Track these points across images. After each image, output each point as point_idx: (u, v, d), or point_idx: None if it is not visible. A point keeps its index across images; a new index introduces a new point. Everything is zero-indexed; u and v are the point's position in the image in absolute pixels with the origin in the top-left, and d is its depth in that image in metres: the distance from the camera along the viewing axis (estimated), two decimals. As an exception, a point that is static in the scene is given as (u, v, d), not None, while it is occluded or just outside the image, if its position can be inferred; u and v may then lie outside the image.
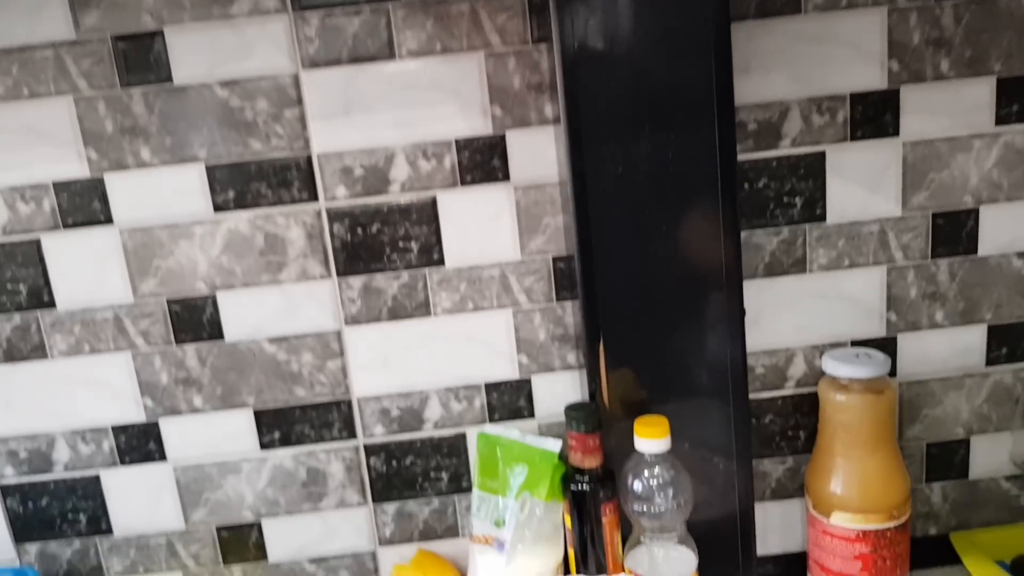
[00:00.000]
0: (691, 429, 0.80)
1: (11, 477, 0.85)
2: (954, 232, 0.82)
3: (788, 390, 0.86)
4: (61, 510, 0.86)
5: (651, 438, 0.76)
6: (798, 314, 0.84)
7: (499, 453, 0.83)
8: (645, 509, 0.77)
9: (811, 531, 0.83)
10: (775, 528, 0.89)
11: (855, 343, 0.85)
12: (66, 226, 0.80)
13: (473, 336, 0.84)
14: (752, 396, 0.85)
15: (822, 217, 0.82)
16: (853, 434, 0.79)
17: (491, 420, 0.87)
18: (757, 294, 0.83)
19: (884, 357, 0.79)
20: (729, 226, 0.77)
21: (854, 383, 0.78)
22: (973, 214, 0.82)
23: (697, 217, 0.76)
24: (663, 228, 0.76)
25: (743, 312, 0.78)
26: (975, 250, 0.83)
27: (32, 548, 0.87)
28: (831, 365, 0.79)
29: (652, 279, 0.78)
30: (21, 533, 0.86)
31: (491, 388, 0.86)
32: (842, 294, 0.84)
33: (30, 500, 0.86)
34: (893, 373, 0.85)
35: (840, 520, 0.79)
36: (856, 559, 0.79)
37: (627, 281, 0.78)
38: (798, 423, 0.87)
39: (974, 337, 0.85)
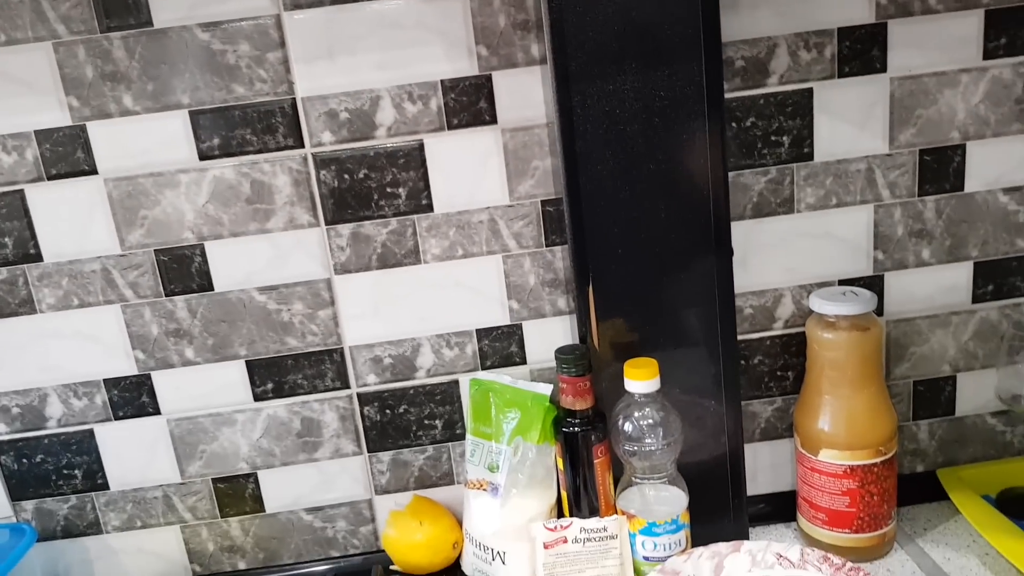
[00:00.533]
0: (681, 371, 0.80)
1: (4, 434, 0.84)
2: (941, 169, 0.82)
3: (776, 331, 0.86)
4: (56, 466, 0.86)
5: (640, 379, 0.76)
6: (786, 254, 0.84)
7: (492, 399, 0.83)
8: (636, 449, 0.77)
9: (800, 469, 0.83)
10: (765, 468, 0.90)
11: (842, 282, 0.85)
12: (50, 177, 0.78)
13: (463, 282, 0.84)
14: (741, 337, 0.85)
15: (809, 156, 0.81)
16: (840, 371, 0.79)
17: (483, 367, 0.86)
18: (745, 235, 0.83)
19: (870, 295, 0.79)
20: (717, 166, 0.76)
21: (841, 320, 0.78)
22: (960, 150, 0.82)
23: (685, 157, 0.76)
24: (651, 168, 0.76)
25: (731, 253, 0.78)
26: (962, 187, 0.83)
27: (28, 505, 0.87)
28: (818, 303, 0.79)
29: (640, 221, 0.77)
30: (16, 490, 0.86)
31: (482, 334, 0.85)
32: (830, 233, 0.83)
33: (24, 457, 0.85)
34: (880, 312, 0.86)
35: (828, 457, 0.79)
36: (844, 495, 0.79)
37: (616, 223, 0.77)
38: (787, 363, 0.87)
39: (960, 274, 0.85)
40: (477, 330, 0.85)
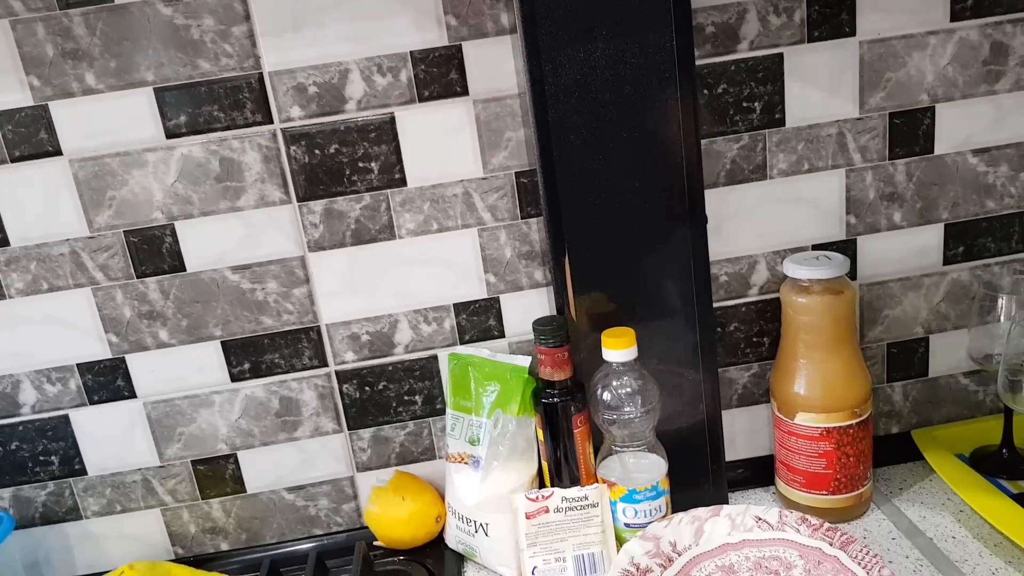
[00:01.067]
0: (658, 340, 0.80)
1: (-24, 421, 0.83)
2: (911, 131, 0.82)
3: (752, 297, 0.86)
4: (32, 452, 0.84)
5: (617, 348, 0.75)
6: (760, 221, 0.84)
7: (471, 373, 0.82)
8: (615, 418, 0.77)
9: (777, 433, 0.83)
10: (743, 433, 0.90)
11: (816, 247, 0.85)
12: (13, 159, 0.76)
13: (439, 257, 0.83)
14: (717, 304, 0.85)
15: (781, 122, 0.81)
16: (815, 335, 0.79)
17: (462, 341, 0.86)
18: (719, 202, 0.82)
19: (843, 258, 0.79)
20: (689, 133, 0.76)
21: (814, 284, 0.78)
22: (929, 112, 0.82)
23: (657, 125, 0.75)
24: (623, 137, 0.75)
25: (705, 220, 0.78)
26: (932, 149, 0.83)
27: (6, 493, 0.85)
28: (791, 268, 0.79)
29: (615, 190, 0.77)
30: (-8, 477, 0.85)
31: (460, 309, 0.84)
32: (802, 199, 0.83)
33: (-2, 443, 0.84)
34: (853, 275, 0.86)
35: (804, 420, 0.79)
36: (820, 457, 0.80)
37: (590, 194, 0.76)
38: (762, 329, 0.87)
39: (931, 237, 0.85)
40: (454, 304, 0.84)
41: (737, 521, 0.75)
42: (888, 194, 0.84)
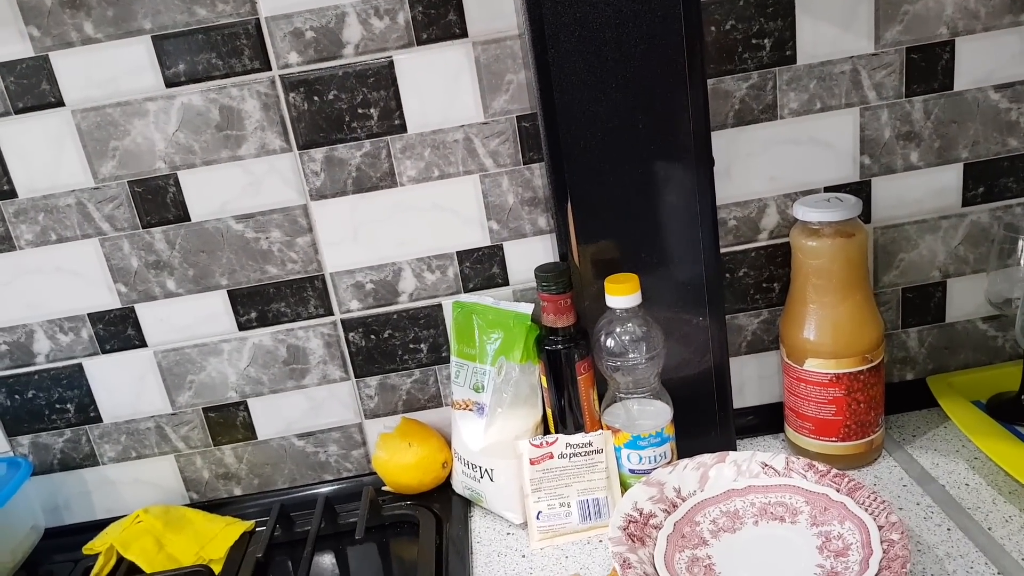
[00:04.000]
0: (664, 287, 0.76)
1: (-5, 370, 0.83)
2: (929, 67, 0.76)
3: (761, 242, 0.81)
4: (48, 401, 0.83)
5: (621, 294, 0.72)
6: (769, 163, 0.78)
7: (475, 320, 0.79)
8: (618, 365, 0.74)
9: (786, 379, 0.79)
10: (752, 380, 0.86)
11: (828, 189, 0.79)
12: (17, 111, 0.74)
13: (441, 204, 0.79)
14: (725, 250, 0.81)
15: (792, 59, 0.76)
16: (825, 279, 0.74)
17: (466, 289, 0.82)
18: (727, 144, 0.77)
19: (855, 200, 0.73)
20: (695, 73, 0.70)
21: (825, 227, 0.73)
22: (948, 47, 0.75)
23: (661, 65, 0.70)
24: (627, 77, 0.70)
25: (712, 163, 0.73)
26: (951, 85, 0.77)
27: (25, 440, 0.85)
28: (802, 211, 0.74)
29: (618, 133, 0.72)
30: (12, 426, 0.84)
31: (463, 256, 0.81)
32: (814, 139, 0.78)
33: (16, 393, 0.83)
34: (868, 218, 0.81)
35: (813, 366, 0.75)
36: (830, 403, 0.75)
37: (593, 137, 0.72)
38: (772, 275, 0.82)
39: (950, 177, 0.80)
40: (458, 252, 0.81)
41: (743, 467, 0.71)
42: (904, 133, 0.78)
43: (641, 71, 0.70)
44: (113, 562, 0.76)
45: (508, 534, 0.76)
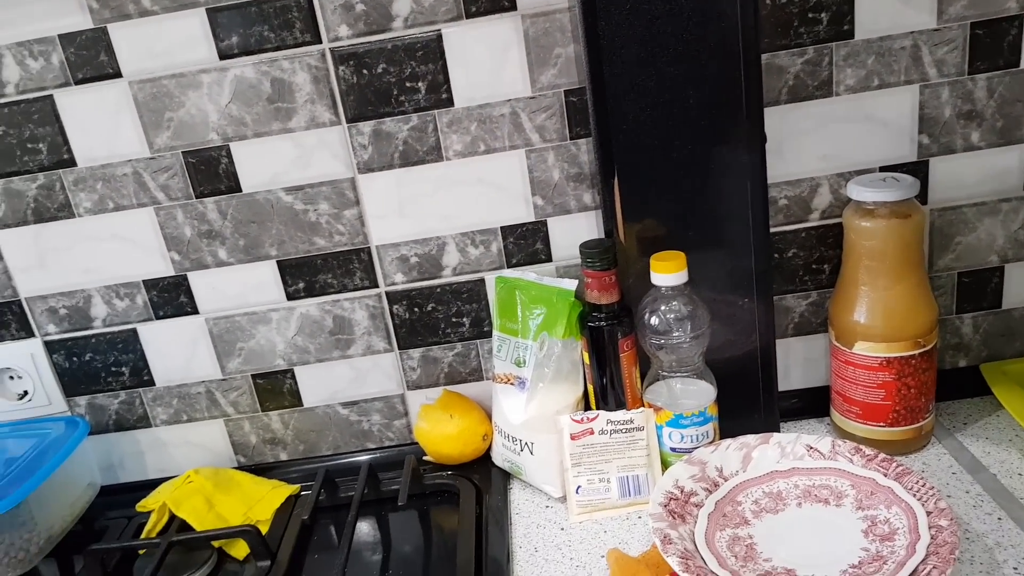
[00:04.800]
0: (711, 266, 0.74)
1: (55, 334, 0.84)
2: (994, 43, 0.72)
3: (812, 222, 0.79)
4: (104, 363, 0.86)
5: (667, 272, 0.71)
6: (823, 141, 0.76)
7: (517, 296, 0.79)
8: (662, 343, 0.73)
9: (834, 362, 0.77)
10: (798, 363, 0.84)
11: (883, 169, 0.77)
12: (77, 82, 0.76)
13: (486, 179, 0.79)
14: (774, 230, 0.79)
15: (849, 34, 0.73)
16: (878, 261, 0.72)
17: (509, 265, 0.82)
18: (780, 121, 0.75)
19: (912, 180, 0.71)
20: (749, 47, 0.68)
21: (880, 207, 0.71)
22: (1016, 22, 0.72)
23: (715, 37, 0.68)
24: (678, 51, 0.69)
25: (764, 140, 0.71)
26: (1017, 63, 0.73)
27: (82, 401, 0.87)
28: (856, 190, 0.72)
29: (668, 109, 0.70)
30: (70, 387, 0.87)
31: (507, 232, 0.81)
32: (871, 117, 0.75)
33: (74, 355, 0.85)
34: (924, 200, 0.78)
35: (863, 349, 0.73)
36: (879, 387, 0.73)
37: (642, 112, 0.71)
38: (823, 256, 0.80)
39: (1012, 158, 0.76)
40: (502, 228, 0.80)
41: (787, 449, 0.70)
42: (966, 112, 0.75)
43: (693, 45, 0.68)
44: (165, 519, 0.78)
45: (547, 507, 0.76)
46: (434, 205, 0.80)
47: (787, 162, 0.77)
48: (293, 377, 0.86)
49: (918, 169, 0.77)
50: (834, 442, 0.69)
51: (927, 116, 0.75)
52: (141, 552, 0.77)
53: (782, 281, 0.81)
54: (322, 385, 0.86)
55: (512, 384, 0.78)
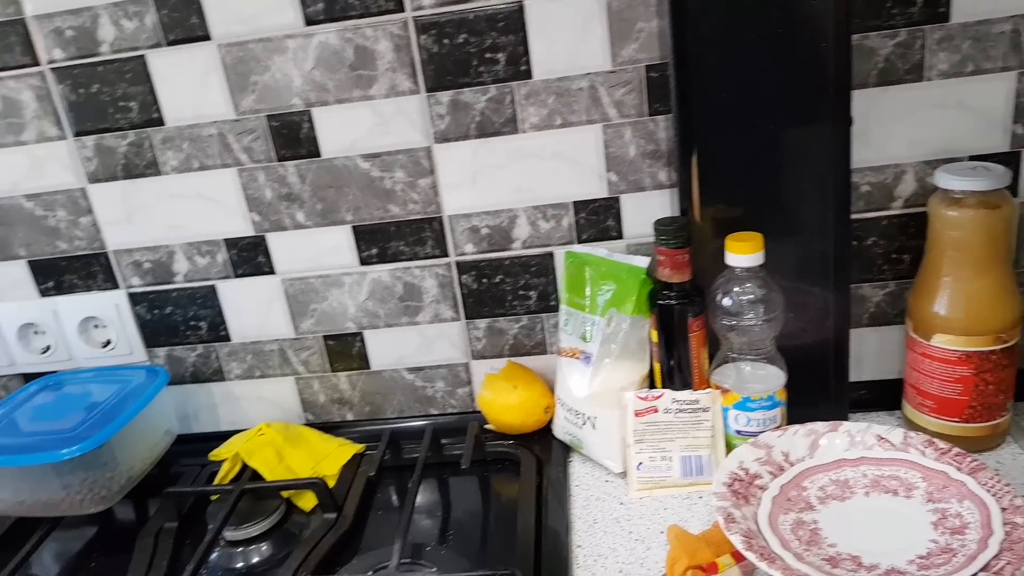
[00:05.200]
0: (787, 251, 0.73)
1: (138, 287, 0.88)
2: (1102, 28, 0.69)
3: (895, 210, 0.77)
4: (184, 317, 0.89)
5: (743, 252, 0.70)
6: (912, 127, 0.74)
7: (587, 272, 0.79)
8: (734, 325, 0.72)
9: (910, 355, 0.75)
10: (871, 354, 0.82)
11: (973, 158, 0.74)
12: (169, 43, 0.78)
13: (561, 153, 0.79)
14: (855, 216, 0.76)
15: (944, 16, 0.70)
16: (964, 252, 0.70)
17: (579, 241, 0.82)
18: (867, 105, 0.73)
19: (1004, 170, 0.68)
20: (839, 26, 0.67)
21: (968, 197, 0.69)
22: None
23: (804, 15, 0.66)
24: (765, 29, 0.67)
25: (850, 122, 0.69)
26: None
27: (161, 352, 0.91)
28: (944, 179, 0.70)
29: (751, 87, 0.69)
30: (150, 338, 0.90)
31: (579, 207, 0.81)
32: (963, 104, 0.72)
33: (156, 308, 0.89)
34: (1015, 192, 0.75)
35: (942, 342, 0.71)
36: (956, 382, 0.72)
37: (724, 90, 0.69)
38: (903, 246, 0.78)
39: (1113, 151, 0.73)
40: (574, 203, 0.80)
41: (857, 438, 0.69)
42: (1066, 101, 0.72)
43: (781, 23, 0.66)
44: (237, 468, 0.81)
45: (607, 481, 0.76)
46: (507, 177, 0.80)
47: (872, 147, 0.75)
48: (362, 340, 0.88)
49: (1010, 160, 0.73)
50: (906, 433, 0.68)
51: (1024, 104, 0.72)
52: (213, 498, 0.80)
53: (859, 270, 0.79)
54: (389, 349, 0.88)
55: (577, 358, 0.78)
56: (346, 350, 0.89)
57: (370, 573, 0.68)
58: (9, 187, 0.85)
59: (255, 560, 0.74)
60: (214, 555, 0.74)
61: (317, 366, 0.90)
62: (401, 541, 0.67)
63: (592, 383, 0.77)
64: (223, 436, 0.87)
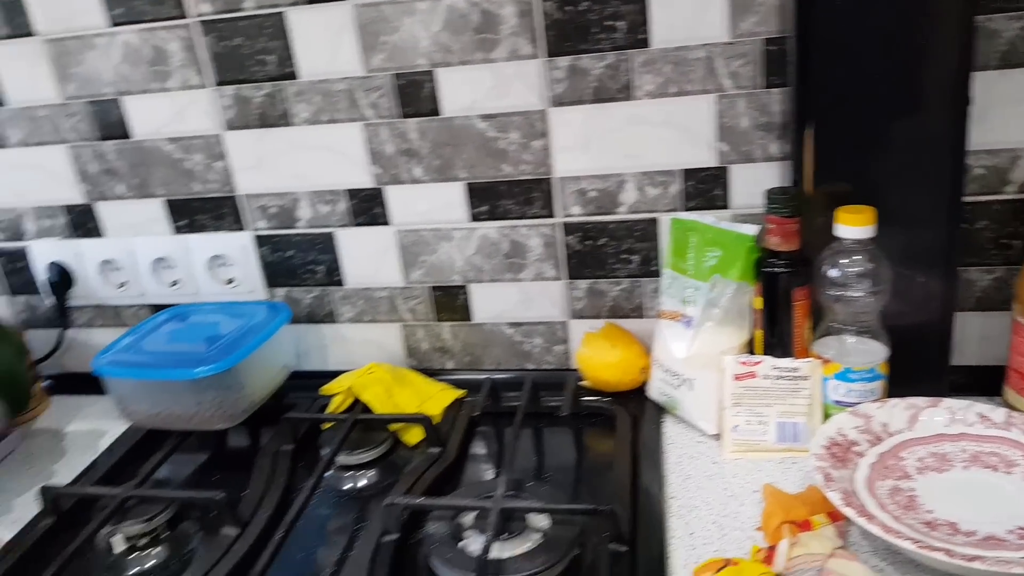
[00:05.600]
0: (894, 230, 0.73)
1: (264, 230, 0.94)
2: None
3: (1008, 195, 0.76)
4: (303, 261, 0.95)
5: (854, 224, 0.70)
6: (1034, 110, 0.73)
7: (691, 239, 0.81)
8: (840, 296, 0.73)
9: (1015, 339, 0.75)
10: (973, 339, 0.82)
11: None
12: (307, 1, 0.83)
13: (673, 121, 0.81)
14: (967, 199, 0.76)
15: (1082, -4, 0.69)
16: (1082, 238, 0.70)
17: (685, 208, 0.84)
18: (988, 87, 0.72)
19: None
20: (964, 5, 0.66)
21: (1093, 182, 0.68)
22: None
23: (930, -5, 0.67)
24: (889, 7, 0.67)
25: (968, 102, 0.69)
26: None
27: (280, 292, 0.97)
28: (1068, 162, 0.69)
29: (871, 62, 0.70)
30: (272, 278, 0.96)
31: (688, 175, 0.82)
32: (1093, 88, 0.72)
33: (278, 250, 0.95)
34: None
35: (1051, 328, 0.71)
36: (1063, 369, 0.71)
37: (843, 64, 0.70)
38: (1015, 232, 0.77)
39: None
40: (684, 171, 0.82)
41: (958, 415, 0.69)
42: None
43: (905, 1, 0.67)
44: (349, 402, 0.86)
45: (699, 442, 0.78)
46: (619, 143, 0.83)
47: (989, 130, 0.74)
48: (466, 293, 0.92)
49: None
50: (1009, 413, 0.68)
51: None
52: (325, 426, 0.86)
53: (967, 253, 0.79)
54: (492, 303, 0.92)
55: (678, 321, 0.81)
56: (451, 302, 0.93)
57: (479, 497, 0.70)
58: (152, 130, 0.92)
59: (362, 483, 0.79)
60: (327, 475, 0.80)
61: (423, 315, 0.95)
62: (507, 474, 0.71)
63: (692, 345, 0.79)
64: (331, 375, 0.92)
